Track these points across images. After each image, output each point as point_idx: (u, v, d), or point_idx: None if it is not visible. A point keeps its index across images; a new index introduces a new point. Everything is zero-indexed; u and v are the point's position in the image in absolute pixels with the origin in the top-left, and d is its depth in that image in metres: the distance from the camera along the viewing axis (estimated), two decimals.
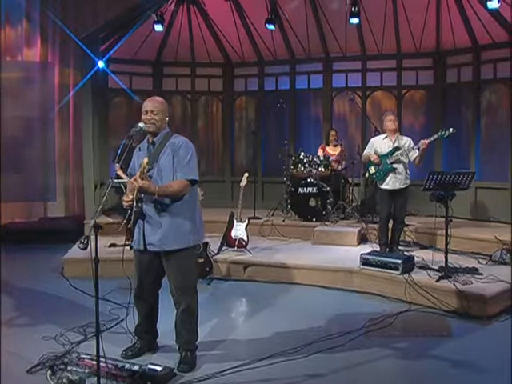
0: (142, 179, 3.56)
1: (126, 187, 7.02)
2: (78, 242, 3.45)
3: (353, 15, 7.74)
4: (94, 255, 3.44)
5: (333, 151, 8.62)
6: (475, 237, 6.86)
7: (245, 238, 6.72)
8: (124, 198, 3.84)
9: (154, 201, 3.74)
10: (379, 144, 6.57)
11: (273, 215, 8.50)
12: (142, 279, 3.99)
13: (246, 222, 6.83)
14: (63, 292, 5.89)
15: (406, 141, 6.51)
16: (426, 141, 6.18)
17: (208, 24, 9.12)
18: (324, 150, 8.64)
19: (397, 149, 6.44)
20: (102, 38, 8.31)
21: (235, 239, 6.69)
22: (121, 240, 7.39)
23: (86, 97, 8.19)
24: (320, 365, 3.96)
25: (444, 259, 5.69)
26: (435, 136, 6.23)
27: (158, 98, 3.97)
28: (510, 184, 7.58)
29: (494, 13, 7.35)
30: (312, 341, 4.35)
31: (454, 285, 5.23)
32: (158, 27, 8.30)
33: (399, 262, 5.69)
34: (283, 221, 8.12)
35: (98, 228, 3.38)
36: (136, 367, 3.57)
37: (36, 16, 9.45)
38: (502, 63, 7.88)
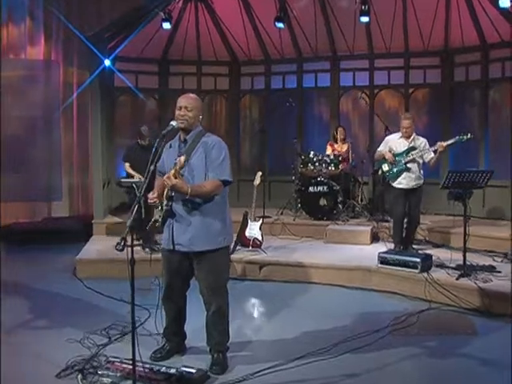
0: (176, 177, 3.49)
1: (137, 186, 7.04)
2: (116, 244, 3.36)
3: (363, 13, 7.74)
4: (129, 256, 3.32)
5: (341, 148, 8.61)
6: (489, 235, 6.88)
7: (259, 238, 6.69)
8: (149, 195, 3.76)
9: (184, 200, 3.67)
10: (394, 143, 6.56)
11: (282, 214, 8.48)
12: (171, 280, 3.92)
13: (261, 221, 6.80)
14: (78, 293, 5.83)
15: (421, 141, 6.51)
16: (444, 144, 6.18)
17: (215, 22, 9.07)
18: (332, 146, 8.63)
19: (413, 149, 6.43)
20: (108, 37, 8.21)
21: (250, 239, 6.65)
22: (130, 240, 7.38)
23: (94, 95, 8.12)
24: (352, 364, 3.95)
25: (462, 257, 5.71)
26: (453, 140, 6.22)
27: (192, 94, 3.91)
28: (510, 182, 7.59)
29: (504, 11, 7.37)
30: (340, 340, 4.33)
31: (475, 283, 5.25)
32: (166, 25, 8.24)
33: (418, 260, 5.69)
34: (294, 220, 8.10)
35: (133, 229, 3.31)
36: (173, 370, 3.53)
37: (40, 14, 9.38)
38: (511, 62, 7.91)
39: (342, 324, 4.85)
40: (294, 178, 8.65)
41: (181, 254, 3.79)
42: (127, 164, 7.42)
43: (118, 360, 3.84)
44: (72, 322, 4.84)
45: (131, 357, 3.80)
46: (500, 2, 6.79)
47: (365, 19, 7.81)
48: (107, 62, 8.14)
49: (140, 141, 7.36)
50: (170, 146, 3.87)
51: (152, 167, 3.52)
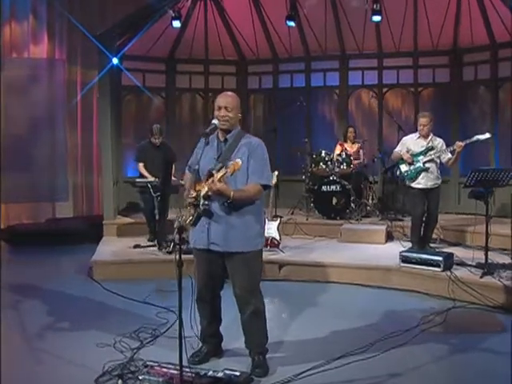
0: (220, 181, 3.42)
1: (152, 186, 6.97)
2: (165, 246, 3.29)
3: (375, 13, 7.74)
4: (177, 258, 3.25)
5: (350, 148, 8.62)
6: (503, 233, 6.89)
7: (277, 238, 6.66)
8: (186, 193, 3.68)
9: (224, 202, 3.59)
10: (412, 143, 6.55)
11: (292, 214, 8.46)
12: (204, 280, 3.84)
13: (278, 221, 6.77)
14: (97, 296, 5.73)
15: (439, 142, 6.50)
16: (462, 143, 6.16)
17: (224, 20, 9.03)
18: (342, 146, 8.62)
19: (431, 149, 6.43)
20: (116, 35, 8.12)
21: (267, 238, 6.60)
22: (143, 241, 7.31)
23: (103, 94, 8.01)
24: (394, 364, 3.93)
25: (479, 256, 5.79)
26: (472, 139, 6.21)
27: (230, 93, 3.83)
28: None
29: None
30: (374, 340, 4.30)
31: (500, 281, 5.27)
32: (176, 23, 8.18)
33: (441, 259, 5.70)
34: (307, 219, 8.09)
35: (182, 231, 3.24)
36: (220, 374, 3.47)
37: (43, 11, 9.26)
38: None
39: (371, 323, 4.84)
40: (304, 177, 8.63)
41: (215, 254, 3.72)
42: (141, 164, 7.33)
43: (157, 364, 3.77)
44: (98, 326, 4.76)
45: (170, 361, 3.81)
46: None
47: (377, 18, 7.83)
48: (115, 61, 8.05)
49: (153, 139, 7.28)
50: (207, 143, 3.68)
51: (197, 167, 3.47)
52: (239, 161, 3.34)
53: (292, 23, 8.27)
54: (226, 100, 3.70)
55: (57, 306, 5.36)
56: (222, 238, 3.64)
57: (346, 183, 7.98)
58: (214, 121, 3.65)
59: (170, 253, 3.29)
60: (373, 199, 8.68)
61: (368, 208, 8.44)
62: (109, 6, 9.20)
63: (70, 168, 9.41)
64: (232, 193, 3.47)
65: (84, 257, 7.48)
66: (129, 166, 9.28)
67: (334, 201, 8.00)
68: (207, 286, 3.86)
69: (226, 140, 3.73)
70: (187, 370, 3.53)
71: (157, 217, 7.13)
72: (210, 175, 3.58)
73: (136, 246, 7.06)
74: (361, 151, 8.58)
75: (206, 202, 3.59)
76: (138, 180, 7.12)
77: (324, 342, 4.41)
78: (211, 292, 3.90)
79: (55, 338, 4.50)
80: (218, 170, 3.58)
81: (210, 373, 3.51)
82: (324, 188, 8.04)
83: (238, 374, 3.55)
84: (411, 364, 3.93)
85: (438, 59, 8.84)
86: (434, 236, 7.28)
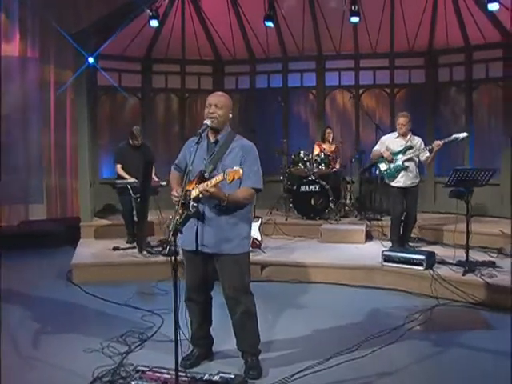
0: (215, 186, 3.39)
1: (132, 187, 6.88)
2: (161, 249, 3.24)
3: (353, 14, 7.80)
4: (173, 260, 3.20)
5: (328, 148, 8.66)
6: (480, 231, 7.01)
7: (259, 238, 6.65)
8: (174, 192, 3.64)
9: (214, 204, 3.57)
10: (391, 142, 6.64)
11: (271, 214, 8.45)
12: (194, 281, 3.81)
13: (259, 221, 6.76)
14: (79, 299, 5.63)
15: (417, 141, 6.60)
16: (440, 142, 6.28)
17: (201, 20, 8.96)
18: (320, 146, 8.65)
19: (409, 148, 6.53)
20: (92, 34, 7.96)
21: None
22: (121, 243, 7.19)
23: (79, 94, 7.85)
24: (384, 363, 3.97)
25: (459, 254, 5.91)
26: (449, 138, 6.32)
27: (221, 92, 3.81)
28: (510, 181, 7.75)
29: (489, 14, 7.59)
30: (362, 340, 4.33)
31: (481, 278, 5.38)
32: (154, 23, 8.06)
33: (423, 257, 5.78)
34: (286, 219, 8.10)
35: (177, 233, 3.20)
36: (216, 377, 3.44)
37: (15, 9, 9.00)
38: (494, 63, 8.17)
39: (357, 322, 4.88)
40: (282, 177, 8.64)
41: (205, 255, 3.69)
42: (119, 165, 7.22)
43: (148, 369, 3.72)
44: (83, 331, 4.67)
45: (160, 365, 3.76)
46: (489, 6, 6.98)
47: (355, 19, 7.87)
48: (91, 60, 7.90)
49: (132, 141, 7.19)
50: (197, 143, 3.57)
51: (191, 167, 3.42)
52: (240, 169, 3.27)
53: (270, 23, 8.26)
54: (218, 98, 3.68)
55: (39, 312, 5.23)
56: (213, 239, 3.62)
57: (324, 183, 8.02)
58: (207, 121, 3.60)
59: (167, 255, 3.20)
60: (351, 199, 8.75)
61: (346, 208, 8.50)
62: (83, 4, 9.02)
63: (44, 169, 9.18)
64: (226, 197, 3.45)
65: (61, 260, 7.34)
66: (104, 167, 9.14)
67: (313, 201, 8.03)
68: (197, 287, 3.84)
69: (217, 141, 3.69)
70: (182, 374, 3.50)
71: (135, 218, 7.06)
72: (202, 176, 3.54)
73: (115, 249, 6.95)
74: (337, 152, 8.62)
75: (195, 204, 3.56)
76: (117, 181, 7.01)
77: (313, 343, 4.42)
78: (202, 293, 3.87)
79: (42, 345, 4.39)
80: (210, 172, 3.55)
81: (206, 376, 3.47)
82: (303, 188, 8.07)
83: (232, 376, 3.53)
84: (400, 363, 3.97)
85: (414, 60, 8.96)
86: (412, 235, 7.43)
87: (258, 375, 3.71)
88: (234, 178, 3.25)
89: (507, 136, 8.14)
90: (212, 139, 3.70)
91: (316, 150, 8.55)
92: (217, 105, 3.63)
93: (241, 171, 3.26)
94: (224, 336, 4.23)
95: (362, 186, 8.85)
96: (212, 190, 3.38)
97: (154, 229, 7.80)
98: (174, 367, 3.69)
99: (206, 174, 3.53)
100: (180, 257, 3.33)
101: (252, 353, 3.82)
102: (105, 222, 8.08)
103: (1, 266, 6.10)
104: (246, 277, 3.76)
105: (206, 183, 3.42)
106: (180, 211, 3.57)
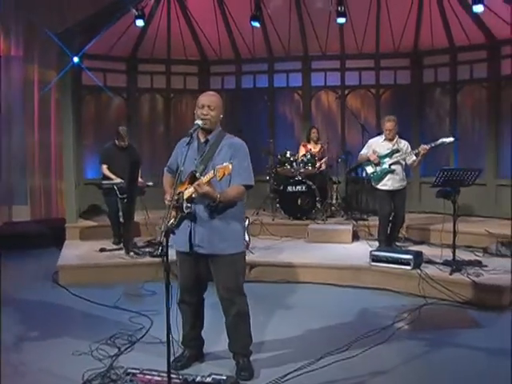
0: (207, 184, 3.36)
1: (118, 188, 6.82)
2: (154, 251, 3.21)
3: (339, 15, 7.82)
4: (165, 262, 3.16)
5: (314, 148, 8.67)
6: (466, 231, 7.07)
7: (246, 238, 6.60)
8: (167, 196, 3.62)
9: (207, 204, 3.54)
10: (378, 145, 6.66)
11: (257, 214, 8.45)
12: (188, 283, 3.78)
13: (247, 221, 6.73)
14: (66, 302, 5.56)
15: (404, 144, 6.65)
16: (427, 146, 6.33)
17: (187, 19, 8.92)
18: (305, 147, 8.67)
19: (396, 151, 6.57)
20: (78, 34, 7.88)
21: None
22: (107, 244, 7.12)
23: (64, 94, 7.75)
24: (375, 362, 3.98)
25: (445, 253, 5.95)
26: (436, 142, 6.38)
27: (212, 92, 3.77)
28: (511, 181, 7.79)
29: (473, 16, 7.67)
30: (352, 339, 4.33)
31: (468, 277, 5.43)
32: (140, 22, 7.99)
33: (411, 257, 5.82)
34: (273, 219, 8.10)
35: (169, 234, 3.17)
36: (208, 379, 3.41)
37: None
38: (479, 64, 8.27)
39: (346, 322, 4.89)
40: (268, 178, 8.64)
41: (198, 256, 3.67)
42: (105, 166, 7.15)
43: (139, 371, 3.68)
44: (71, 333, 4.62)
45: (150, 367, 3.73)
46: (474, 8, 7.05)
47: (341, 20, 7.90)
48: (76, 60, 7.82)
49: (118, 142, 7.13)
50: (188, 144, 3.57)
51: (182, 168, 3.40)
52: (229, 165, 3.26)
53: (257, 23, 8.24)
54: (210, 99, 3.64)
55: (25, 314, 5.14)
56: (207, 240, 3.59)
57: (311, 183, 8.04)
58: (198, 121, 3.58)
59: (159, 256, 3.15)
60: (337, 199, 8.78)
61: (333, 208, 8.53)
62: (68, 3, 8.91)
63: (27, 169, 9.06)
64: (218, 195, 3.42)
65: (46, 261, 7.25)
66: (89, 168, 9.05)
67: (300, 201, 8.04)
68: (190, 288, 3.81)
69: (207, 140, 3.67)
70: (174, 375, 3.47)
71: (121, 219, 7.01)
72: (193, 177, 3.52)
73: (102, 250, 6.88)
74: (323, 153, 8.63)
75: (189, 205, 3.54)
76: (103, 182, 6.94)
77: (303, 343, 4.42)
78: (195, 295, 3.85)
79: (29, 348, 4.31)
80: (201, 172, 3.53)
81: (198, 378, 3.45)
82: (290, 188, 8.08)
83: (224, 377, 3.52)
84: (392, 362, 3.99)
85: (399, 61, 9.02)
86: (398, 235, 7.48)
87: (250, 376, 3.69)
88: (224, 174, 3.24)
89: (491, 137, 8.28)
90: (202, 139, 3.68)
91: (302, 151, 8.57)
92: (209, 106, 3.60)
93: (230, 166, 3.24)
94: (214, 337, 4.22)
95: (348, 186, 8.89)
96: (204, 188, 3.35)
97: (141, 229, 7.74)
98: (164, 369, 3.66)
99: (197, 174, 3.50)
100: (172, 258, 3.30)
101: (243, 354, 3.80)
102: (90, 223, 8.00)
103: None
104: (240, 277, 3.75)
105: (197, 182, 3.39)
106: (174, 213, 3.55)
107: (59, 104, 9.14)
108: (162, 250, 3.11)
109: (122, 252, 6.71)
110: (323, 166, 8.50)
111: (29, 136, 9.14)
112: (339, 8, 7.76)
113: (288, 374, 3.71)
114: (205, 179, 3.36)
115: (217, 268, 3.68)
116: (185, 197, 3.50)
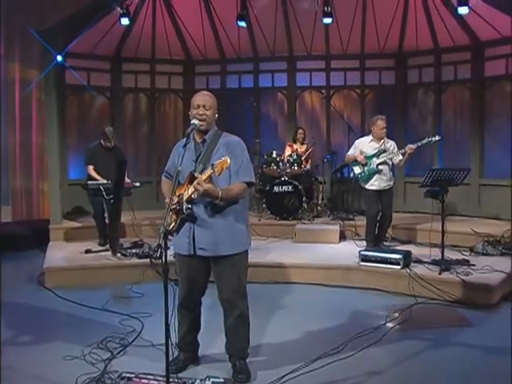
0: (206, 182, 3.31)
1: (105, 189, 6.71)
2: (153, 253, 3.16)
3: (326, 15, 7.83)
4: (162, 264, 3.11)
5: (300, 149, 8.68)
6: (451, 230, 7.10)
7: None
8: (167, 200, 3.54)
9: (207, 203, 3.49)
10: (365, 146, 6.69)
11: None
12: (189, 287, 3.70)
13: None
14: (53, 304, 5.47)
15: (391, 144, 6.71)
16: (413, 146, 6.40)
17: (172, 18, 8.84)
18: (291, 147, 8.67)
19: (383, 151, 6.61)
20: (61, 32, 7.74)
21: None
22: (93, 245, 7.01)
23: (48, 94, 7.61)
24: (371, 362, 3.99)
25: (432, 253, 6.02)
26: (422, 141, 6.44)
27: (206, 92, 3.73)
28: (511, 180, 7.82)
29: (458, 17, 7.75)
30: (346, 340, 4.33)
31: (458, 276, 5.47)
32: (125, 21, 7.89)
33: (400, 257, 5.84)
34: (259, 220, 8.07)
35: (167, 236, 3.12)
36: (208, 382, 3.37)
37: None
38: (463, 65, 8.36)
39: (338, 322, 4.89)
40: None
41: (200, 259, 3.61)
42: (91, 167, 7.03)
43: (134, 375, 3.62)
44: (61, 337, 4.53)
45: (144, 371, 3.67)
46: (459, 9, 7.13)
47: (327, 20, 7.91)
48: (59, 58, 7.68)
49: (104, 142, 7.02)
50: (184, 145, 3.54)
51: (180, 168, 3.33)
52: (227, 158, 3.20)
53: (243, 23, 8.21)
54: (204, 99, 3.61)
55: (12, 318, 4.98)
56: (210, 242, 3.54)
57: (297, 184, 8.04)
58: (194, 121, 3.54)
59: (159, 258, 3.07)
60: (323, 199, 8.80)
61: (319, 208, 8.54)
62: (51, 1, 8.75)
63: (10, 169, 8.88)
64: (219, 192, 3.37)
65: (29, 263, 7.16)
66: (72, 168, 8.92)
67: (287, 201, 8.04)
68: (191, 292, 3.74)
69: (204, 141, 3.62)
70: (171, 379, 3.41)
71: (107, 220, 6.92)
72: (192, 177, 3.47)
73: (87, 251, 6.77)
74: (309, 153, 8.64)
75: (189, 206, 3.48)
76: (89, 182, 6.81)
77: (297, 344, 4.40)
78: (195, 299, 3.80)
79: (19, 354, 4.18)
80: (200, 172, 3.48)
81: (197, 382, 3.40)
82: (276, 189, 8.06)
83: (222, 380, 3.49)
84: (387, 362, 3.99)
85: (384, 62, 9.08)
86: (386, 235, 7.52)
87: (247, 378, 3.66)
88: (222, 169, 3.19)
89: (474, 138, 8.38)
90: (199, 140, 3.64)
91: (288, 151, 8.56)
92: (205, 106, 3.57)
93: (228, 160, 3.19)
94: (209, 340, 4.19)
95: (333, 186, 8.92)
96: (205, 186, 3.28)
97: (126, 230, 7.65)
98: (159, 373, 3.65)
99: (196, 174, 3.45)
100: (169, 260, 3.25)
101: (241, 356, 3.76)
102: (75, 224, 7.88)
103: None
104: (243, 278, 3.73)
105: (196, 180, 3.33)
106: (174, 217, 3.50)
107: (41, 103, 9.00)
108: (161, 252, 3.06)
109: (108, 253, 6.62)
110: (308, 166, 8.48)
111: (10, 136, 8.96)
112: (325, 8, 7.78)
113: (285, 375, 3.69)
114: (204, 176, 3.30)
115: (219, 269, 3.64)
116: (185, 198, 3.43)
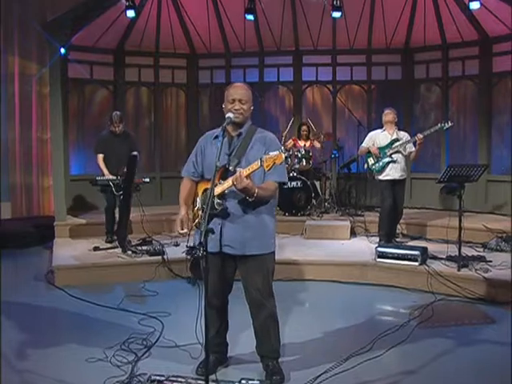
0: (247, 178, 3.16)
1: (114, 185, 6.56)
2: (188, 249, 3.04)
3: (335, 9, 7.74)
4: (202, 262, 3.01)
5: (304, 144, 8.56)
6: (463, 226, 7.13)
7: None
8: (182, 210, 3.49)
9: (240, 199, 3.37)
10: (378, 137, 6.72)
11: None
12: (215, 286, 3.59)
13: None
14: (65, 304, 5.29)
15: (403, 134, 6.74)
16: (421, 135, 6.39)
17: (178, 11, 8.68)
18: (296, 142, 8.57)
19: (396, 140, 6.62)
20: (64, 25, 7.55)
21: None
22: (99, 242, 6.87)
23: (53, 87, 7.43)
24: (403, 360, 3.95)
25: (457, 249, 5.79)
26: (433, 129, 6.45)
27: (242, 84, 3.60)
28: (511, 177, 7.83)
29: (467, 13, 7.70)
30: (374, 337, 4.25)
31: (478, 273, 5.43)
32: (131, 13, 7.70)
33: (418, 253, 5.79)
34: None
35: (209, 233, 3.00)
36: None
37: None
38: (471, 61, 8.32)
39: (362, 320, 4.83)
40: None
41: (226, 256, 3.50)
42: (100, 156, 6.84)
43: (164, 378, 3.51)
44: (80, 339, 4.35)
45: (171, 373, 3.55)
46: (471, 4, 7.08)
47: (337, 14, 7.82)
48: (63, 51, 7.51)
49: (113, 127, 6.85)
50: (215, 138, 3.48)
51: (218, 163, 3.20)
52: (281, 154, 3.02)
53: (251, 17, 8.09)
54: (241, 92, 3.48)
55: (26, 319, 4.85)
56: (238, 240, 3.43)
57: (306, 179, 7.95)
58: (229, 114, 3.41)
59: (201, 257, 2.92)
60: (330, 195, 8.73)
61: (326, 204, 8.47)
62: None
63: (10, 165, 8.69)
64: (256, 191, 3.24)
65: (34, 261, 7.02)
66: (73, 164, 8.74)
67: (296, 197, 7.95)
68: (218, 291, 3.63)
69: (240, 134, 3.50)
70: (201, 382, 3.32)
71: (116, 215, 6.77)
72: (225, 171, 3.35)
73: (96, 249, 6.62)
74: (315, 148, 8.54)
75: (220, 201, 3.35)
76: (98, 178, 6.63)
77: (324, 343, 4.33)
78: (222, 297, 3.70)
79: (38, 357, 4.01)
80: (235, 166, 3.36)
81: None
82: (285, 184, 7.95)
83: (257, 382, 3.40)
84: (419, 361, 3.91)
85: (391, 57, 9.02)
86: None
87: (282, 380, 3.56)
88: (273, 164, 3.01)
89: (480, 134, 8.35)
90: (233, 133, 3.51)
91: (290, 144, 8.42)
92: (241, 100, 3.45)
93: (283, 156, 3.02)
94: (235, 339, 4.08)
95: (339, 181, 8.85)
96: (244, 182, 3.14)
97: (133, 227, 7.50)
98: (190, 375, 3.56)
99: (230, 168, 3.33)
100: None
101: (273, 357, 3.67)
102: (80, 220, 7.72)
103: None
104: (270, 278, 3.61)
105: (236, 174, 3.17)
106: (201, 213, 3.40)
107: (41, 97, 8.84)
108: (202, 251, 2.95)
109: (118, 250, 6.49)
110: (311, 161, 8.36)
111: (9, 131, 8.77)
112: (335, 2, 7.68)
113: (319, 375, 3.62)
114: (246, 171, 3.14)
115: (247, 269, 3.53)
116: (216, 193, 3.28)
